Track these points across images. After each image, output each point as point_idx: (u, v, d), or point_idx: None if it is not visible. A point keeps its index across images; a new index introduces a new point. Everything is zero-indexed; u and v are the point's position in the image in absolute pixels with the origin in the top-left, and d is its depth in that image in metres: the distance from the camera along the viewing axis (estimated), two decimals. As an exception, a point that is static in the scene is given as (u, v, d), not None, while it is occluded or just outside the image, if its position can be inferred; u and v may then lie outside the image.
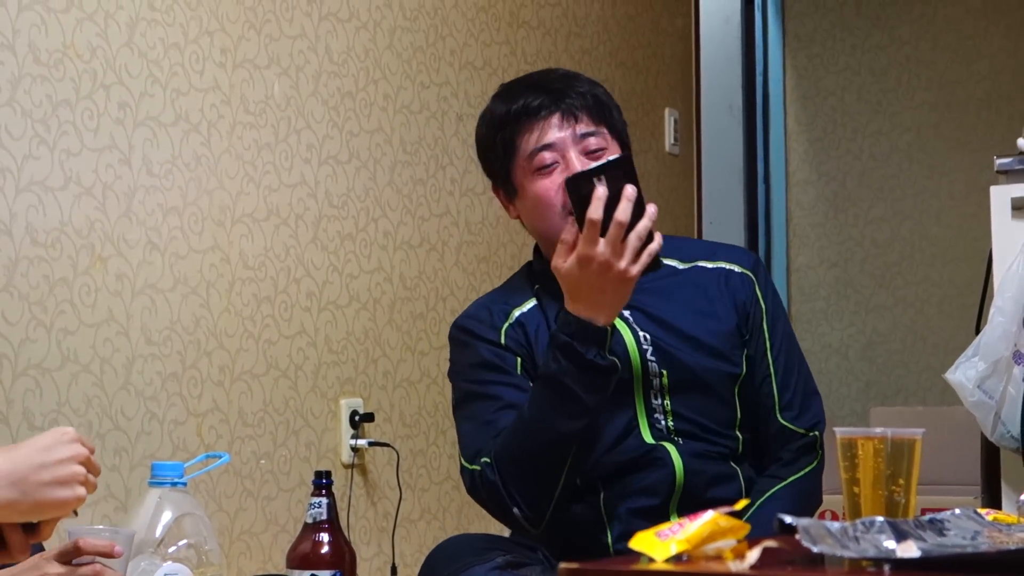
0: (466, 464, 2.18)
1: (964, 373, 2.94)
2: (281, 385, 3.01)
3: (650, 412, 2.19)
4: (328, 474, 2.52)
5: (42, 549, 2.07)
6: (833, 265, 5.53)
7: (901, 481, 1.58)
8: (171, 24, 2.80)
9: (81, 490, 1.73)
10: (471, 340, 2.27)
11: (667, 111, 4.57)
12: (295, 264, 3.06)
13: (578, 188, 2.05)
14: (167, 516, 2.34)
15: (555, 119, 2.23)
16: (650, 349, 2.21)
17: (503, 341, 2.25)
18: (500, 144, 2.27)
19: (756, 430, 2.26)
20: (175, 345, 2.77)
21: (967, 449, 3.73)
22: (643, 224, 2.06)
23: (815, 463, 2.27)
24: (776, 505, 2.16)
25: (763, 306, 2.28)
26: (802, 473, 2.25)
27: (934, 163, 5.38)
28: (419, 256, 3.44)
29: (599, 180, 2.04)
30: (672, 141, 4.57)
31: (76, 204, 2.59)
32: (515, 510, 2.14)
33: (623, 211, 2.04)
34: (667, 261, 2.29)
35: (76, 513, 1.83)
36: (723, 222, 5.19)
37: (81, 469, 1.72)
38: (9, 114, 2.48)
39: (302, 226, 3.09)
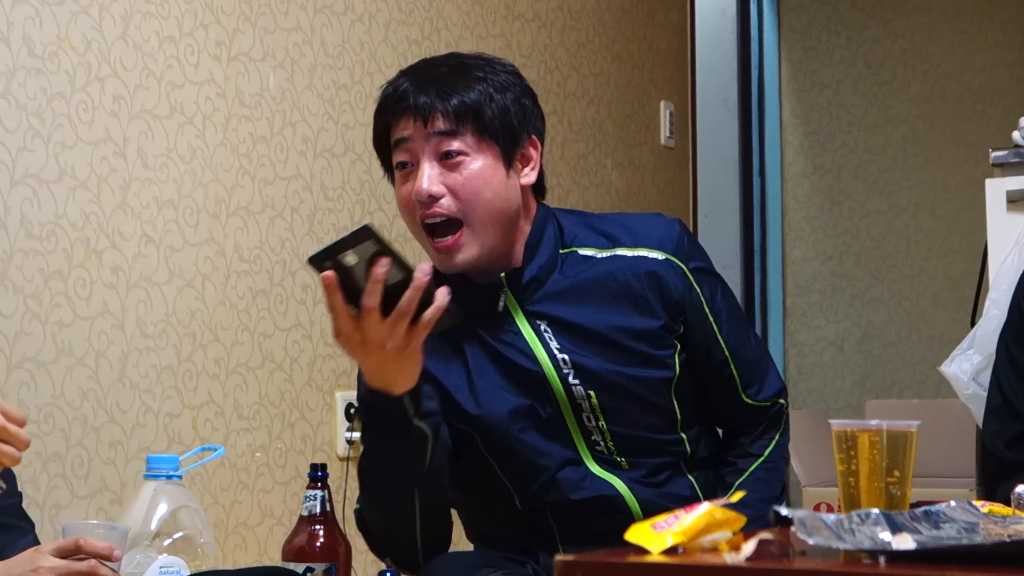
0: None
1: (959, 366, 2.95)
2: (276, 378, 3.01)
3: (587, 436, 2.08)
4: (324, 467, 2.51)
5: (38, 543, 2.07)
6: (828, 258, 5.53)
7: (896, 473, 1.58)
8: (166, 17, 2.80)
9: None
10: None
11: (662, 104, 4.57)
12: (290, 257, 3.06)
13: (322, 266, 1.81)
14: (162, 509, 2.34)
15: (410, 116, 2.06)
16: (571, 372, 2.07)
17: None
18: (378, 131, 2.14)
19: (721, 410, 2.20)
20: (170, 338, 2.77)
21: (962, 442, 3.74)
22: (406, 298, 1.80)
23: (783, 428, 2.21)
24: (759, 487, 2.14)
25: (699, 289, 2.14)
26: (774, 443, 2.20)
27: (930, 156, 5.38)
28: (415, 249, 3.43)
29: (343, 255, 1.79)
30: (667, 134, 4.57)
31: (71, 197, 2.58)
32: (386, 559, 2.09)
33: (369, 296, 1.80)
34: (584, 251, 2.14)
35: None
36: (718, 215, 5.19)
37: None
38: (3, 107, 2.48)
39: (297, 219, 3.08)
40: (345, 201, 3.22)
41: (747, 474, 2.17)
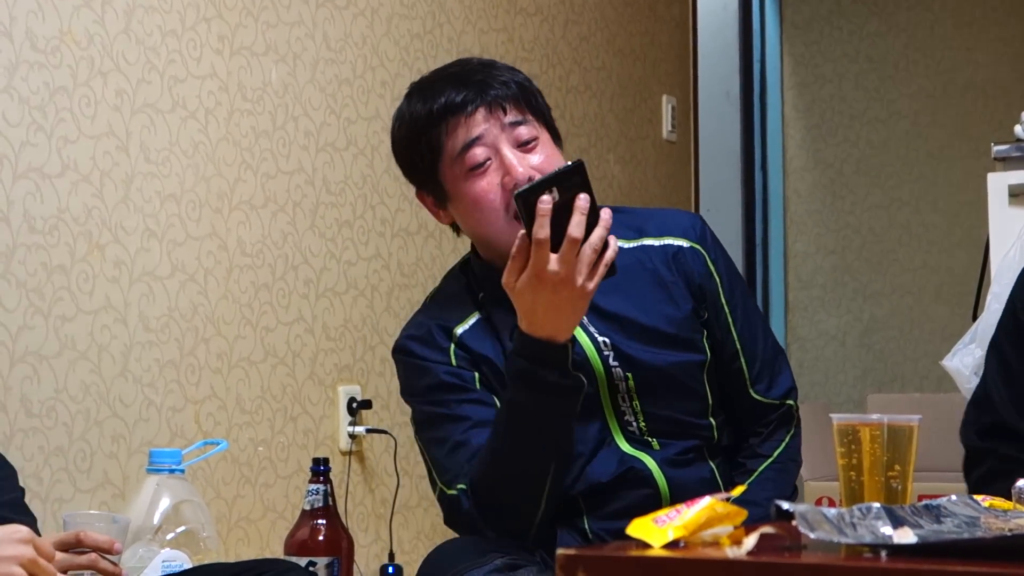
0: (445, 489, 2.10)
1: (961, 360, 2.95)
2: (279, 372, 3.01)
3: (620, 416, 2.12)
4: (326, 461, 2.52)
5: (38, 535, 2.07)
6: (830, 252, 5.53)
7: (898, 467, 1.58)
8: (168, 11, 2.80)
9: None
10: (421, 363, 2.16)
11: (664, 98, 4.57)
12: (293, 251, 3.07)
13: (528, 202, 1.90)
14: (165, 503, 2.35)
15: (481, 112, 2.10)
16: (611, 354, 2.11)
17: (454, 363, 2.14)
18: (423, 146, 2.13)
19: (730, 405, 2.22)
20: (173, 332, 2.77)
21: (964, 436, 3.73)
22: (597, 234, 1.93)
23: (793, 431, 2.23)
24: (767, 486, 2.15)
25: (717, 278, 2.19)
26: (783, 445, 2.21)
27: (931, 150, 5.38)
28: (416, 243, 3.44)
29: (550, 191, 1.90)
30: (669, 128, 4.57)
31: (74, 191, 2.59)
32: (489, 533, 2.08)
33: (576, 225, 1.91)
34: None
35: None
36: (720, 209, 5.19)
37: (19, 571, 1.73)
38: (6, 101, 2.48)
39: (300, 213, 3.09)
40: (347, 195, 3.22)
41: (755, 475, 2.18)
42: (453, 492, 2.08)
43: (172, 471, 2.39)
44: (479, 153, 2.10)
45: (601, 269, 1.95)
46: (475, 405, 2.11)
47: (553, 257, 1.92)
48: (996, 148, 3.12)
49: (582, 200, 1.92)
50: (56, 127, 2.56)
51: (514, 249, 1.94)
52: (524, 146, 2.11)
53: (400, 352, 2.21)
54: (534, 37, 3.91)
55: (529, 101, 2.15)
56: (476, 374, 2.13)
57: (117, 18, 2.69)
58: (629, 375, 2.12)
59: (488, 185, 2.09)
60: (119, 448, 2.64)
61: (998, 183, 3.07)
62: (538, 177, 1.98)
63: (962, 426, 2.23)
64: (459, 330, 2.15)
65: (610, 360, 2.12)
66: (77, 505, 2.55)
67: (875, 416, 1.59)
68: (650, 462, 2.12)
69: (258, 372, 2.96)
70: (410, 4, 3.44)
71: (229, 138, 2.92)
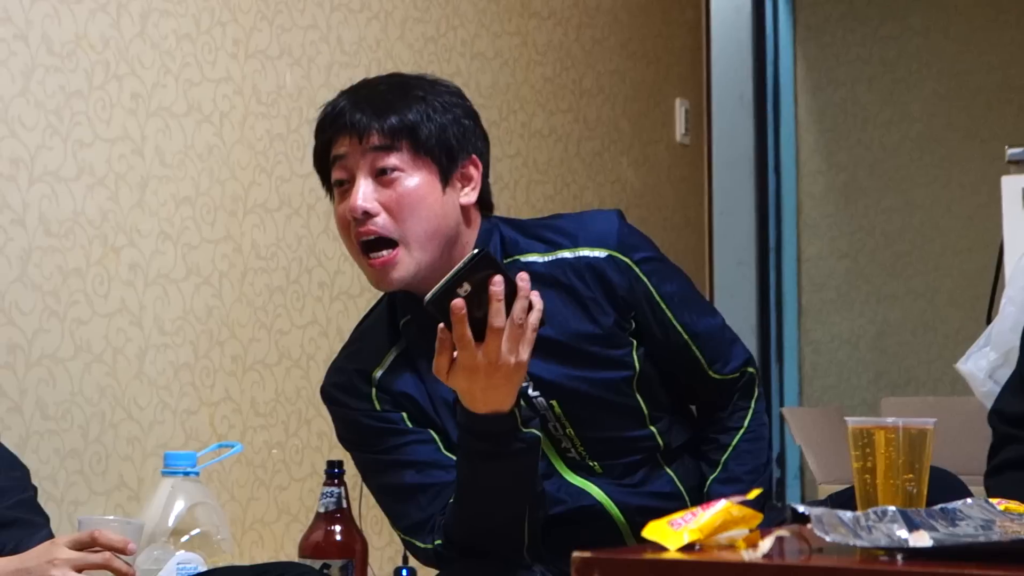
0: (416, 542, 2.07)
1: (975, 363, 2.95)
2: (293, 375, 3.02)
3: (556, 444, 2.08)
4: (340, 464, 2.52)
5: (52, 537, 2.08)
6: (844, 256, 5.53)
7: (913, 469, 1.58)
8: (183, 15, 2.81)
9: None
10: (348, 411, 2.12)
11: (678, 101, 4.57)
12: (307, 254, 3.07)
13: (442, 305, 1.82)
14: (180, 505, 2.36)
15: (347, 130, 2.03)
16: (530, 385, 2.04)
17: (379, 407, 2.09)
18: (317, 150, 2.09)
19: (694, 391, 2.19)
20: (187, 335, 2.78)
21: (978, 439, 3.72)
22: (519, 307, 1.85)
23: (757, 393, 2.20)
24: (745, 459, 2.14)
25: (646, 279, 2.11)
26: (751, 412, 2.18)
27: (945, 153, 5.37)
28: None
29: (460, 287, 1.82)
30: (683, 131, 4.57)
31: (89, 194, 2.60)
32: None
33: (496, 314, 1.84)
34: (525, 258, 2.10)
35: None
36: (733, 212, 5.19)
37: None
38: (22, 104, 2.49)
39: (314, 216, 3.09)
40: (361, 198, 3.22)
41: (730, 448, 2.15)
42: (428, 546, 2.06)
43: (187, 473, 2.40)
44: (339, 173, 2.05)
45: (530, 335, 1.87)
46: (415, 446, 2.08)
47: (480, 349, 1.85)
48: (1010, 151, 3.13)
49: (496, 285, 1.83)
50: (72, 131, 2.57)
51: (437, 343, 1.87)
52: (382, 176, 2.02)
53: (326, 399, 2.18)
54: (547, 40, 3.91)
55: (412, 133, 2.03)
56: (404, 414, 2.09)
57: (132, 22, 2.70)
58: (554, 403, 2.07)
59: (342, 209, 2.05)
60: (134, 451, 2.65)
61: (1012, 186, 3.07)
62: (443, 280, 1.86)
63: (992, 408, 2.22)
64: (377, 373, 2.10)
65: (529, 391, 2.05)
66: (92, 507, 2.56)
67: (890, 419, 1.59)
68: (598, 493, 2.09)
69: (272, 375, 2.97)
70: (424, 8, 3.44)
71: (244, 141, 2.93)
